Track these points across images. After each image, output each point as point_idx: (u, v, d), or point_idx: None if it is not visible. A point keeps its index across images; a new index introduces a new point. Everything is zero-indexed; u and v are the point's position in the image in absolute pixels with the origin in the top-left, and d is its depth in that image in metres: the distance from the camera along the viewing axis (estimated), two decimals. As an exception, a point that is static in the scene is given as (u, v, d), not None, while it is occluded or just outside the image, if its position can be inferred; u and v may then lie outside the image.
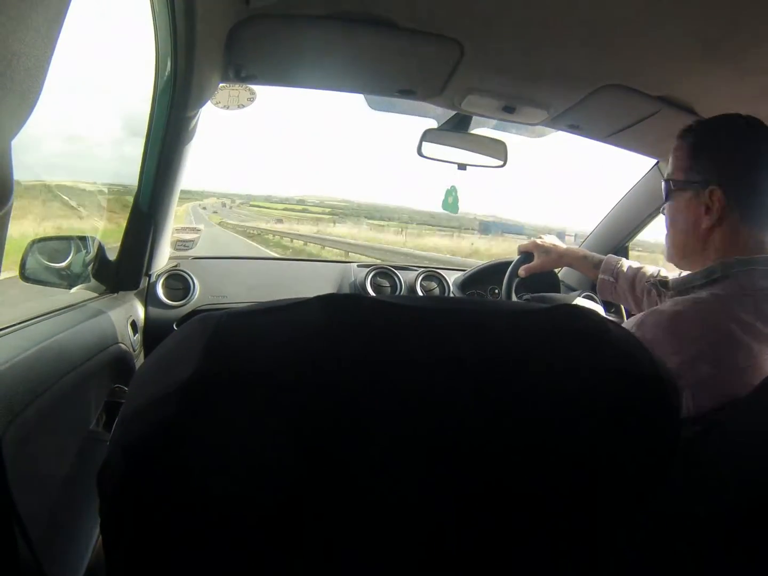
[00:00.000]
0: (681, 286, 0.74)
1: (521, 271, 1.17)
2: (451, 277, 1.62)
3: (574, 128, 1.23)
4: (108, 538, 0.29)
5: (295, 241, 21.26)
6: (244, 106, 1.12)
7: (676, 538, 0.51)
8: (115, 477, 0.27)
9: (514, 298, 1.22)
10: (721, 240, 0.71)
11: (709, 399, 0.60)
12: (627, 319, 0.99)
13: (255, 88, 1.12)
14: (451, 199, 1.44)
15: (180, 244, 1.53)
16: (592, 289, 1.49)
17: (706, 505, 0.50)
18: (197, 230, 1.63)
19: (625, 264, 1.04)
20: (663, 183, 0.77)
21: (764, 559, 0.45)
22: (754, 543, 0.46)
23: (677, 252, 0.77)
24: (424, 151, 1.28)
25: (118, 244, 1.14)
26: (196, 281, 1.42)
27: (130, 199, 1.12)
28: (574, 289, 1.61)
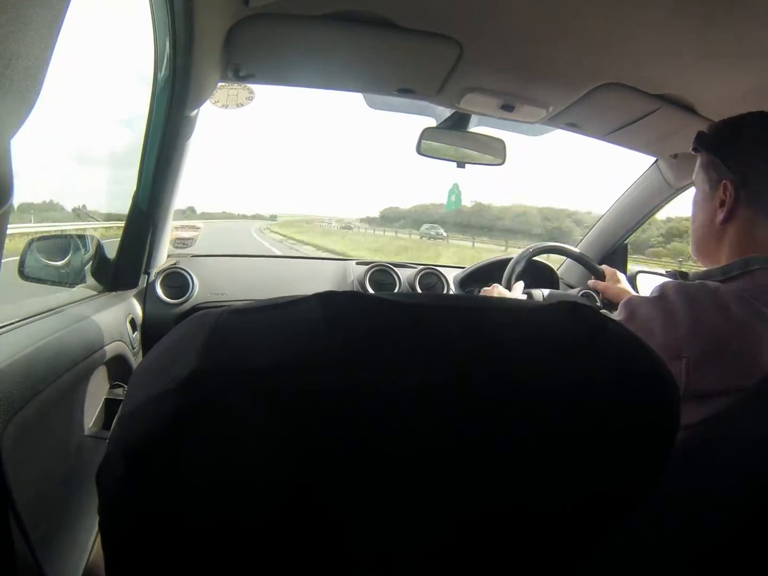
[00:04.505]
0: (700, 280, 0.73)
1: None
2: (450, 275, 1.62)
3: (573, 126, 1.23)
4: (107, 537, 0.29)
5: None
6: (242, 105, 1.12)
7: (677, 535, 0.51)
8: (115, 475, 0.27)
9: None
10: (735, 235, 0.69)
11: (704, 376, 0.58)
12: None
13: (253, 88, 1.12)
14: (454, 197, 1.43)
15: (179, 242, 1.53)
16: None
17: (708, 499, 0.50)
18: (196, 228, 1.61)
19: None
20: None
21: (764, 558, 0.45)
22: (757, 540, 0.46)
23: (696, 247, 0.77)
24: (423, 149, 1.28)
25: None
26: (194, 279, 1.42)
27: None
28: (572, 287, 1.61)
